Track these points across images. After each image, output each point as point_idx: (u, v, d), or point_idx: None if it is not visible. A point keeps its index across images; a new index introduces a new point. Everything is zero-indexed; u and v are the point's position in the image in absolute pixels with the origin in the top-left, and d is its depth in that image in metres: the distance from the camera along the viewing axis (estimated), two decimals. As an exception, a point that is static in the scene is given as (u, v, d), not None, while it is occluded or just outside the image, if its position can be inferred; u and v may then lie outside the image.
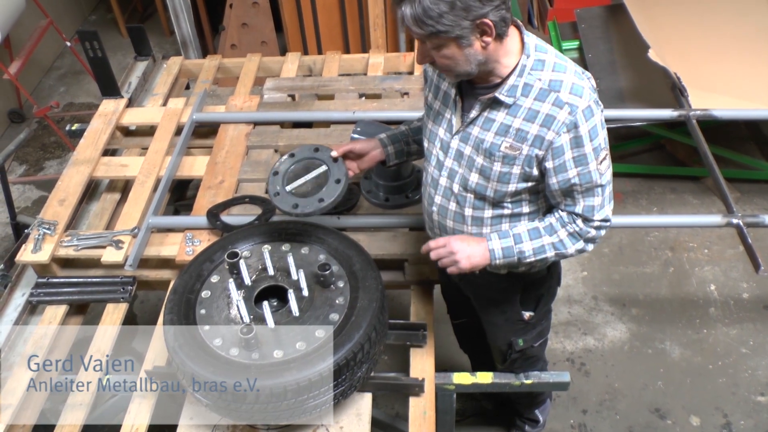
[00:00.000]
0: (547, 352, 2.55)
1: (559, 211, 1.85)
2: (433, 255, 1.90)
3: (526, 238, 1.86)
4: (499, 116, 1.75)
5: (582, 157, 1.72)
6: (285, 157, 2.15)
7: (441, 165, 1.92)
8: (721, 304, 3.50)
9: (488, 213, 1.90)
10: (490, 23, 1.59)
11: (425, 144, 1.99)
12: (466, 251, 1.86)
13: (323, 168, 2.09)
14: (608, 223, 1.87)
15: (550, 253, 1.86)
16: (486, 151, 1.79)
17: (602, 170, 1.76)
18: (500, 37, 1.65)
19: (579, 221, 1.83)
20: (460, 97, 1.82)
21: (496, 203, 1.87)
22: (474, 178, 1.85)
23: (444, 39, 1.61)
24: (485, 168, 1.81)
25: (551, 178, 1.77)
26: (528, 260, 1.87)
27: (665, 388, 3.17)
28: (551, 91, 1.69)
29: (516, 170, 1.78)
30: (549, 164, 1.74)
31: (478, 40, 1.62)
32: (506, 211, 1.88)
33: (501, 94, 1.72)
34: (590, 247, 1.89)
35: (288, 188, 2.10)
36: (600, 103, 1.74)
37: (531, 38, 1.73)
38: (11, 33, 4.62)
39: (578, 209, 1.81)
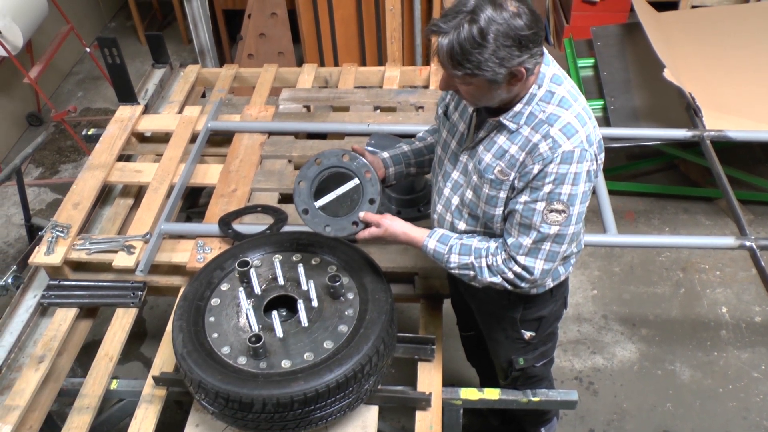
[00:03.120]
0: (556, 369, 2.54)
1: (498, 239, 1.85)
2: (367, 216, 1.92)
3: (456, 251, 1.86)
4: (500, 140, 1.75)
5: (536, 191, 1.70)
6: (310, 163, 1.99)
7: (448, 176, 1.93)
8: (733, 327, 3.47)
9: (480, 231, 1.91)
10: (524, 70, 1.59)
11: (438, 151, 2.00)
12: (394, 232, 1.92)
13: (355, 182, 1.96)
14: (531, 277, 1.79)
15: (471, 273, 1.85)
16: (480, 172, 1.79)
17: (548, 219, 1.71)
18: (530, 77, 1.65)
19: (500, 257, 1.80)
20: (476, 114, 1.83)
21: (487, 224, 1.88)
22: (469, 195, 1.87)
23: (476, 80, 1.60)
24: (477, 187, 1.83)
25: (511, 199, 1.77)
26: (453, 270, 1.89)
27: (674, 410, 3.14)
28: (546, 123, 1.68)
29: (502, 195, 1.78)
30: (516, 184, 1.74)
31: (507, 83, 1.62)
32: (497, 234, 1.88)
33: (506, 119, 1.72)
34: (510, 287, 1.84)
35: (317, 204, 1.96)
36: (593, 159, 1.69)
37: (550, 68, 1.72)
38: (33, 38, 4.68)
39: (509, 240, 1.79)
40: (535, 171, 1.68)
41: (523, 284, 1.82)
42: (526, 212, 1.72)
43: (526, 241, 1.75)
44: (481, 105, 1.73)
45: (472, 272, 1.85)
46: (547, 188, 1.68)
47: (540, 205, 1.70)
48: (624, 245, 3.00)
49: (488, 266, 1.82)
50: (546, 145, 1.66)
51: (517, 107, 1.71)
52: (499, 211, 1.81)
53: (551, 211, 1.70)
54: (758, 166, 4.27)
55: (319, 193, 1.98)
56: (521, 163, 1.71)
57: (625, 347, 3.41)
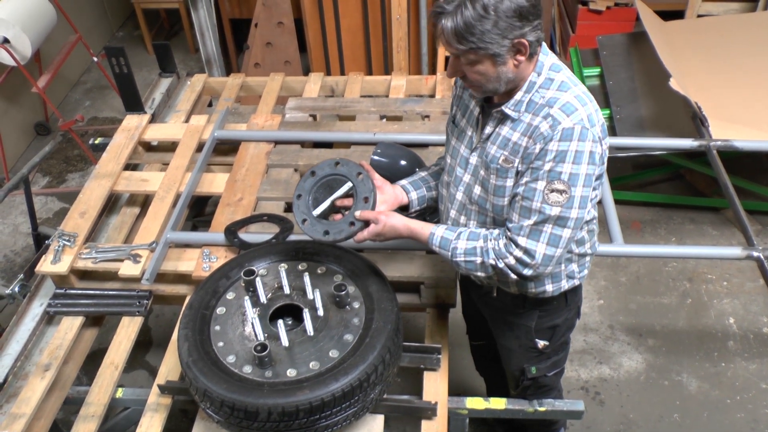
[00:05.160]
0: (562, 379, 2.53)
1: (501, 227, 1.84)
2: (363, 214, 1.91)
3: (465, 237, 1.85)
4: (504, 130, 1.77)
5: (536, 170, 1.70)
6: (306, 176, 2.03)
7: (459, 180, 1.94)
8: (740, 338, 3.45)
9: (489, 227, 1.91)
10: (527, 43, 1.62)
11: (447, 159, 2.01)
12: (394, 225, 1.90)
13: (348, 185, 1.98)
14: (533, 261, 1.75)
15: (478, 259, 1.83)
16: (486, 163, 1.81)
17: (549, 200, 1.69)
18: (532, 56, 1.68)
19: (501, 242, 1.79)
20: (482, 114, 1.85)
21: (496, 219, 1.88)
22: (477, 191, 1.88)
23: (481, 56, 1.63)
24: (485, 180, 1.83)
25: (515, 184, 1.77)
26: (458, 258, 1.85)
27: (681, 420, 3.12)
28: (546, 105, 1.70)
29: (509, 183, 1.78)
30: (519, 168, 1.74)
31: (512, 59, 1.65)
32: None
33: (507, 108, 1.74)
34: (513, 275, 1.81)
35: (315, 213, 1.98)
36: (597, 141, 1.68)
37: (548, 57, 1.75)
38: (41, 47, 4.71)
39: (511, 224, 1.78)
40: (537, 150, 1.68)
41: (525, 271, 1.78)
42: (527, 193, 1.72)
43: (527, 222, 1.74)
44: (489, 89, 1.73)
45: (479, 258, 1.82)
46: (547, 166, 1.68)
47: (540, 184, 1.70)
48: (630, 255, 2.98)
49: (492, 249, 1.81)
50: (546, 123, 1.67)
51: (518, 95, 1.73)
52: (507, 200, 1.81)
53: (552, 191, 1.69)
54: (765, 175, 4.25)
55: (316, 203, 2.00)
56: (524, 148, 1.72)
57: (632, 357, 3.40)
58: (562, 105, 1.68)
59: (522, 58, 1.65)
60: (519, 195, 1.74)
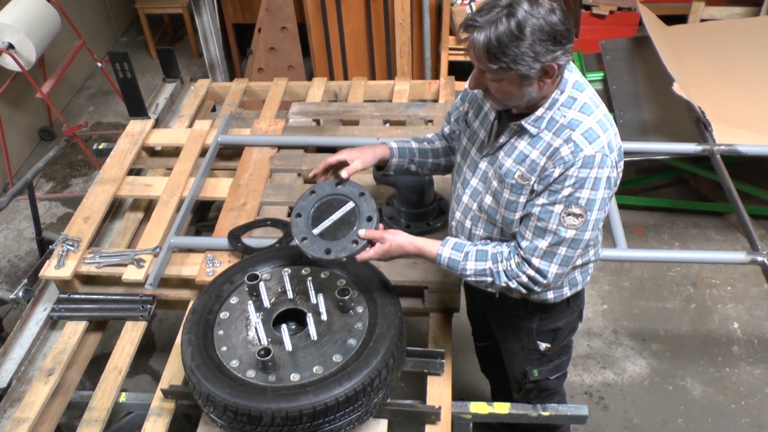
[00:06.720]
0: (566, 384, 2.53)
1: (511, 243, 1.84)
2: (368, 233, 1.91)
3: (473, 258, 1.84)
4: (521, 144, 1.76)
5: (555, 194, 1.70)
6: (305, 195, 2.03)
7: (467, 183, 1.94)
8: (745, 343, 3.44)
9: (496, 237, 1.91)
10: (556, 67, 1.60)
11: (457, 158, 2.01)
12: (400, 244, 1.89)
13: (350, 205, 1.97)
14: (545, 280, 1.78)
15: (488, 279, 1.84)
16: (500, 176, 1.80)
17: (565, 223, 1.71)
18: (558, 77, 1.66)
19: (513, 261, 1.79)
20: (498, 121, 1.84)
21: (504, 230, 1.88)
22: (488, 201, 1.87)
23: (509, 75, 1.61)
24: (497, 192, 1.83)
25: (529, 201, 1.77)
26: (469, 279, 1.87)
27: (686, 425, 3.11)
28: (568, 128, 1.68)
29: (522, 199, 1.78)
30: (535, 187, 1.74)
31: (539, 80, 1.63)
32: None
33: (527, 123, 1.73)
34: (524, 291, 1.82)
35: (315, 231, 1.96)
36: (614, 166, 1.69)
37: (573, 75, 1.73)
38: (46, 53, 4.72)
39: (523, 243, 1.78)
40: (556, 174, 1.68)
41: (536, 288, 1.81)
42: (543, 214, 1.72)
43: (542, 243, 1.74)
44: (509, 105, 1.73)
45: (489, 278, 1.84)
46: (566, 191, 1.68)
47: (558, 208, 1.70)
48: (634, 260, 2.99)
49: (504, 271, 1.81)
50: (568, 148, 1.66)
51: (539, 112, 1.71)
52: (518, 215, 1.81)
53: (569, 214, 1.70)
54: (769, 180, 4.25)
55: (316, 222, 1.99)
56: (542, 168, 1.71)
57: (636, 362, 3.39)
58: (584, 131, 1.67)
59: (549, 80, 1.64)
60: (534, 215, 1.74)
